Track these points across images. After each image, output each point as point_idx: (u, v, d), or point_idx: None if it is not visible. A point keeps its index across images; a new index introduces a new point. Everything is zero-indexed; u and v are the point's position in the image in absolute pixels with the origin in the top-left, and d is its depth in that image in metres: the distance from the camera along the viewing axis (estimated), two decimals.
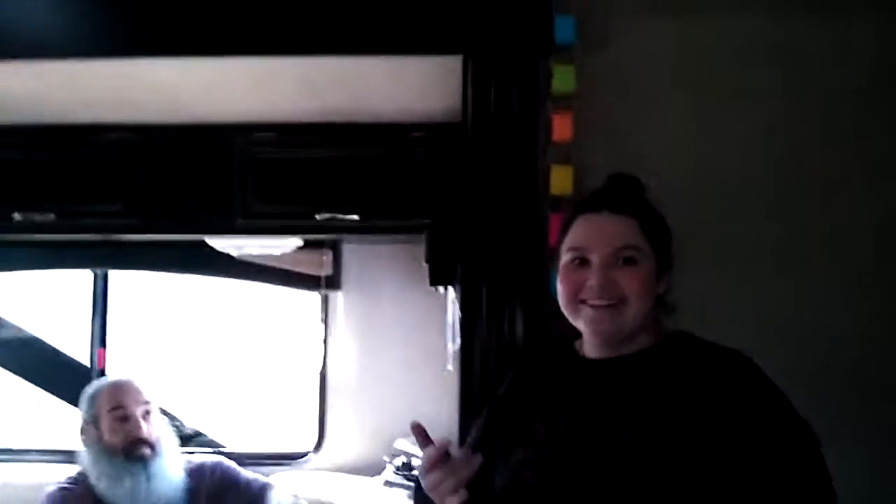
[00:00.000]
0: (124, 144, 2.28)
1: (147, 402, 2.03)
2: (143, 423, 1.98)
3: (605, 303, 1.12)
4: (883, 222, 1.56)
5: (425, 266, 2.12)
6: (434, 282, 1.98)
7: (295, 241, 2.49)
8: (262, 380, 3.07)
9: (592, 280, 1.13)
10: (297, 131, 2.26)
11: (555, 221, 1.54)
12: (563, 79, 1.55)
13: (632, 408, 1.09)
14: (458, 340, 1.66)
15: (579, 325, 1.18)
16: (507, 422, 1.25)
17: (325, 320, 2.79)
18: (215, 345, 3.11)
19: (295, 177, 2.23)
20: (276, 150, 2.24)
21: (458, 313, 1.71)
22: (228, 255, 2.57)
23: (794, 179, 1.47)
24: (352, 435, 2.75)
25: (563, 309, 1.19)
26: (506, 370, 1.54)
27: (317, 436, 2.78)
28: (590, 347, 1.21)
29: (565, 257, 1.19)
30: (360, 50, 1.64)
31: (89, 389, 2.06)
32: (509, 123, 1.57)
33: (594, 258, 1.14)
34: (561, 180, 1.56)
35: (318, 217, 2.21)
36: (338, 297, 2.79)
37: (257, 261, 2.66)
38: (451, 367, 2.07)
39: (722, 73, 1.59)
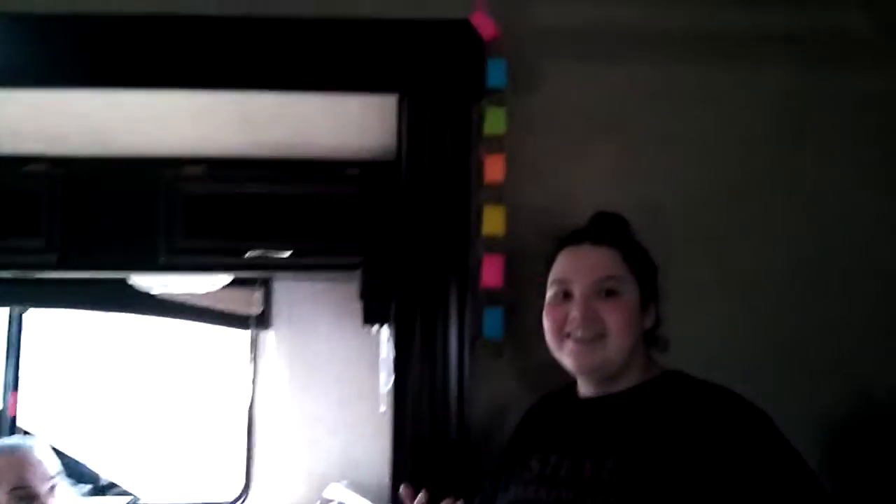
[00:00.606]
0: (46, 177, 2.19)
1: (52, 477, 1.88)
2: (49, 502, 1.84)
3: (588, 335, 1.12)
4: (800, 255, 1.62)
5: (359, 304, 2.10)
6: (367, 321, 1.95)
7: (222, 279, 2.42)
8: (185, 424, 2.95)
9: (575, 312, 1.13)
10: (227, 166, 2.21)
11: (488, 261, 1.55)
12: (494, 121, 1.57)
13: (616, 446, 1.08)
14: (392, 380, 1.64)
15: (564, 360, 1.17)
16: (510, 459, 1.26)
17: (254, 360, 2.71)
18: (137, 387, 2.97)
19: (224, 212, 2.18)
20: (206, 184, 2.18)
21: (391, 352, 1.69)
22: (152, 293, 2.49)
23: (717, 218, 1.52)
24: (281, 480, 2.67)
25: (549, 345, 1.19)
26: (438, 410, 1.54)
27: (243, 482, 2.68)
28: (582, 386, 1.21)
29: (549, 292, 1.20)
30: (296, 86, 1.63)
31: None
32: (442, 163, 1.58)
33: (576, 290, 1.14)
34: (493, 220, 1.57)
35: (247, 254, 2.17)
36: (268, 336, 2.73)
37: (183, 299, 2.58)
38: (385, 406, 2.04)
39: (646, 118, 1.64)
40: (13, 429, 2.67)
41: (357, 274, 2.11)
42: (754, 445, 1.03)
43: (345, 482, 2.65)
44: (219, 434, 2.89)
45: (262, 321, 2.68)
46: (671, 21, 1.67)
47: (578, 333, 1.13)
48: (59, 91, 1.68)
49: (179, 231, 2.18)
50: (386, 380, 2.04)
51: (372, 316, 1.96)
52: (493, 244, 1.57)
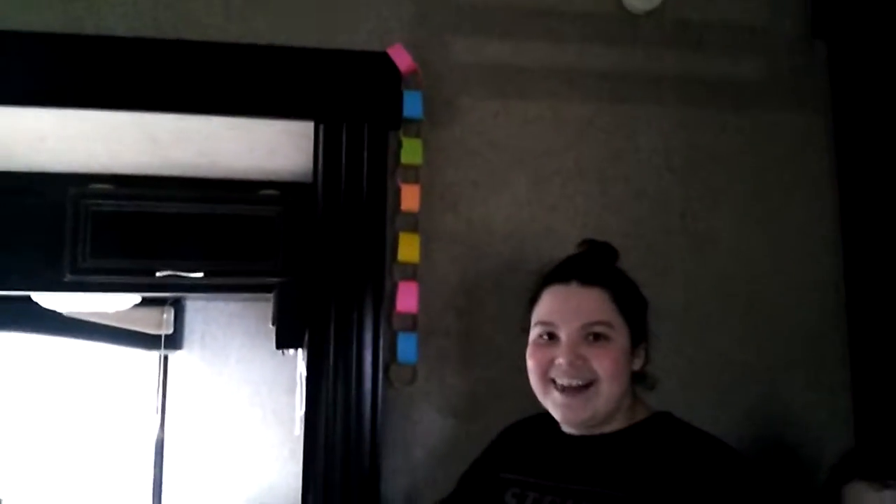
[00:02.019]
0: None
1: None
2: None
3: (575, 383, 1.05)
4: (691, 288, 1.70)
5: (274, 327, 2.08)
6: (280, 345, 1.94)
7: (131, 299, 2.36)
8: (92, 447, 2.84)
9: (561, 358, 1.06)
10: (136, 183, 2.16)
11: (403, 287, 1.57)
12: (411, 151, 1.60)
13: (601, 492, 1.02)
14: (305, 404, 1.63)
15: (548, 406, 1.11)
16: (485, 481, 1.20)
17: (164, 382, 2.65)
18: (41, 411, 2.84)
19: (134, 231, 2.12)
20: (114, 202, 2.12)
21: (304, 376, 1.68)
22: (57, 313, 2.39)
23: (624, 253, 1.58)
24: None
25: (533, 387, 1.12)
26: (351, 435, 1.54)
27: None
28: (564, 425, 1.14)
29: (534, 332, 1.12)
30: (210, 110, 1.61)
31: None
32: (359, 190, 1.60)
33: (563, 334, 1.07)
34: (408, 248, 1.59)
35: (158, 274, 2.12)
36: (179, 357, 2.66)
37: (89, 318, 2.49)
38: (299, 429, 2.02)
39: (556, 152, 1.70)
40: None
41: (272, 296, 2.10)
42: (742, 501, 0.99)
43: None
44: (127, 458, 2.79)
45: (172, 342, 2.61)
46: (581, 60, 1.74)
47: (565, 381, 1.06)
48: None
49: (86, 249, 2.11)
50: (300, 403, 2.02)
51: (285, 340, 1.95)
52: (408, 271, 1.59)
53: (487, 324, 1.61)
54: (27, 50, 1.53)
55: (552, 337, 1.09)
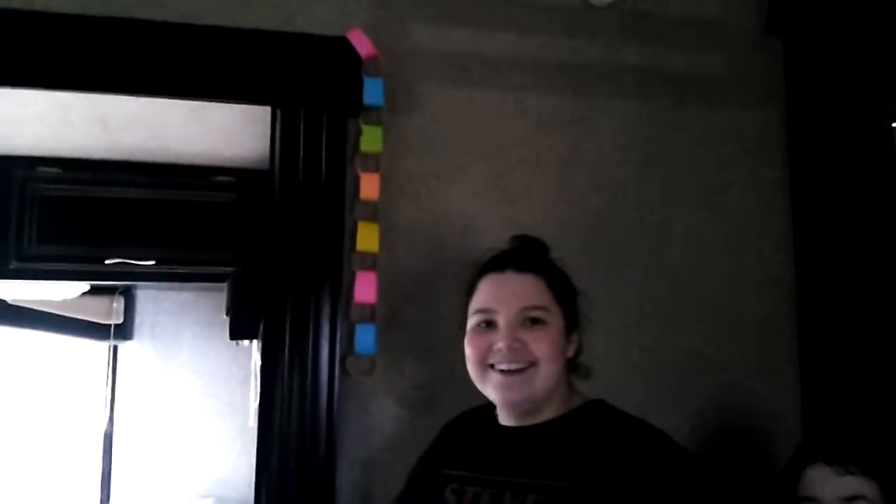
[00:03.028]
0: None
1: None
2: None
3: (514, 367, 1.07)
4: (645, 280, 1.72)
5: (227, 316, 2.04)
6: (234, 335, 1.90)
7: (80, 287, 2.29)
8: (39, 440, 2.75)
9: (500, 343, 1.08)
10: (85, 167, 2.09)
11: (361, 277, 1.55)
12: (370, 139, 1.57)
13: (537, 481, 1.03)
14: (259, 395, 1.60)
15: (488, 392, 1.12)
16: (426, 480, 1.20)
17: (114, 373, 2.58)
18: None
19: (82, 217, 2.06)
20: (62, 186, 2.07)
21: (258, 367, 1.65)
22: (2, 301, 2.31)
23: (575, 243, 1.57)
24: (141, 499, 2.55)
25: (471, 375, 1.13)
26: (307, 428, 1.52)
27: (100, 501, 2.54)
28: (502, 413, 1.15)
29: (472, 321, 1.14)
30: (162, 91, 1.56)
31: None
32: (317, 177, 1.57)
33: (501, 320, 1.09)
34: (367, 237, 1.57)
35: (107, 262, 2.06)
36: (129, 348, 2.60)
37: (36, 307, 2.41)
38: (254, 421, 1.99)
39: (517, 142, 1.69)
40: None
41: (226, 286, 2.05)
42: (675, 489, 1.00)
43: (210, 499, 2.57)
44: (75, 451, 2.71)
45: (122, 332, 2.55)
46: (542, 51, 1.73)
47: (504, 365, 1.08)
48: None
49: (33, 235, 2.05)
50: (255, 394, 1.99)
51: (239, 330, 1.91)
52: (366, 261, 1.57)
53: (447, 315, 1.59)
54: None
55: (490, 324, 1.11)
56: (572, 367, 1.16)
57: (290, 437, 1.53)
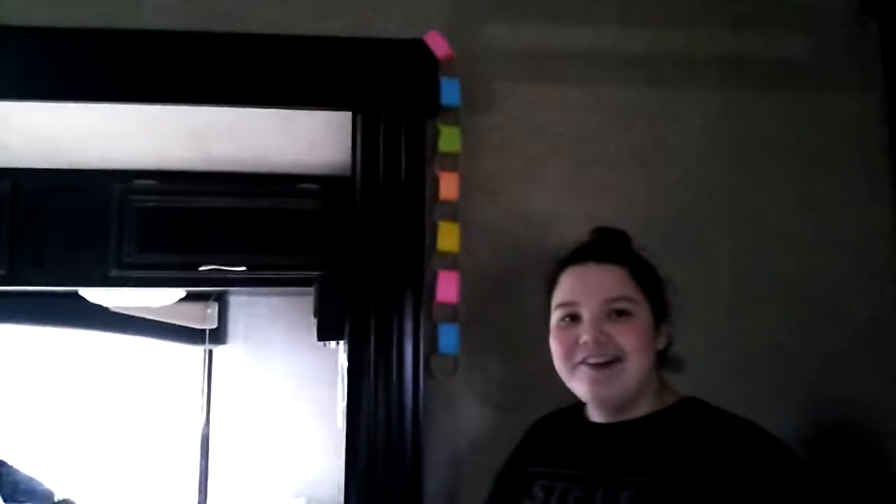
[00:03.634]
0: None
1: None
2: None
3: (602, 360, 1.04)
4: (739, 274, 1.66)
5: (315, 319, 2.09)
6: (321, 337, 1.94)
7: (176, 294, 2.39)
8: (140, 441, 2.89)
9: (586, 336, 1.05)
10: (179, 179, 2.19)
11: (443, 277, 1.56)
12: (448, 139, 1.58)
13: (631, 480, 1.00)
14: (346, 396, 1.63)
15: (576, 388, 1.09)
16: (515, 477, 1.19)
17: (209, 376, 2.68)
18: (91, 403, 2.91)
19: (177, 226, 2.16)
20: (158, 198, 2.17)
21: (345, 368, 1.68)
22: (103, 308, 2.44)
23: (663, 237, 1.54)
24: (236, 499, 2.63)
25: (558, 371, 1.11)
26: (393, 427, 1.53)
27: (198, 500, 2.64)
28: (593, 410, 1.13)
29: (555, 316, 1.11)
30: (249, 101, 1.61)
31: None
32: (397, 180, 1.59)
33: (585, 313, 1.06)
34: (448, 237, 1.57)
35: (201, 268, 2.15)
36: (223, 352, 2.69)
37: (135, 313, 2.54)
38: (343, 422, 2.02)
39: (597, 137, 1.66)
40: None
41: (312, 289, 2.10)
42: (778, 486, 0.95)
43: (302, 499, 2.63)
44: (173, 452, 2.84)
45: (216, 337, 2.64)
46: (619, 42, 1.70)
47: (591, 359, 1.04)
48: (5, 102, 1.63)
49: (131, 244, 2.16)
50: (343, 396, 2.03)
51: (326, 332, 1.95)
52: (447, 260, 1.58)
53: (529, 313, 1.57)
54: (70, 46, 1.55)
55: (574, 318, 1.08)
56: (663, 361, 1.12)
57: (377, 437, 1.55)
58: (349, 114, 1.63)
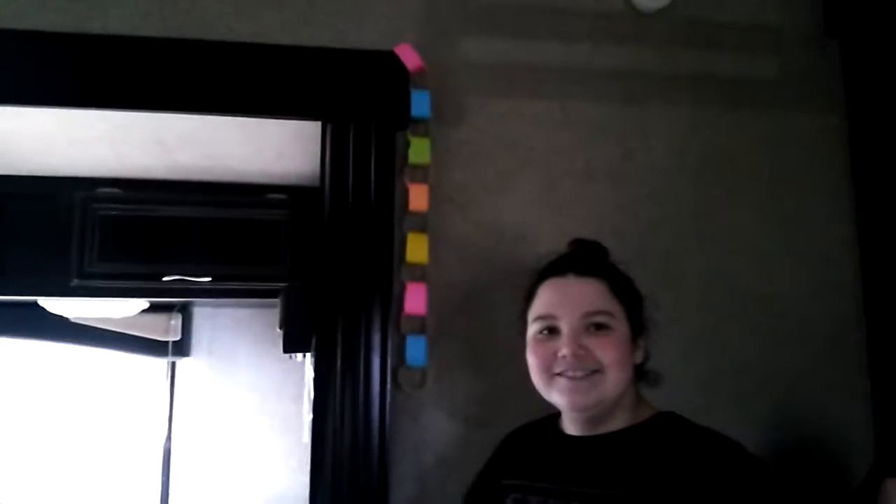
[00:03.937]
0: None
1: None
2: None
3: (580, 374, 1.03)
4: (706, 290, 1.67)
5: (281, 331, 2.06)
6: (287, 349, 1.91)
7: (139, 304, 2.34)
8: (99, 454, 2.82)
9: (565, 349, 1.04)
10: (144, 187, 2.15)
11: (411, 289, 1.55)
12: (419, 150, 1.57)
13: (606, 493, 0.99)
14: (312, 410, 1.60)
15: (554, 398, 1.08)
16: (487, 491, 1.17)
17: (172, 389, 2.63)
18: (48, 416, 2.83)
19: (141, 235, 2.11)
20: (121, 206, 2.12)
21: (311, 381, 1.66)
22: (63, 318, 2.38)
23: (631, 251, 1.55)
24: None
25: (535, 383, 1.10)
26: (360, 441, 1.51)
27: None
28: (568, 422, 1.12)
29: (532, 328, 1.10)
30: (215, 109, 1.59)
31: None
32: (367, 191, 1.57)
33: (564, 326, 1.06)
34: (417, 249, 1.56)
35: (165, 279, 2.10)
36: (187, 364, 2.64)
37: (96, 324, 2.48)
38: (308, 437, 1.99)
39: (567, 152, 1.67)
40: None
41: (279, 301, 2.07)
42: (752, 501, 0.95)
43: None
44: (134, 466, 2.77)
45: (180, 349, 2.59)
46: (591, 59, 1.72)
47: (570, 373, 1.04)
48: None
49: (93, 254, 2.10)
50: (309, 410, 2.00)
51: (292, 344, 1.92)
52: (416, 272, 1.57)
53: (498, 326, 1.58)
54: (34, 49, 1.52)
55: (552, 331, 1.08)
56: (641, 375, 1.12)
57: (343, 450, 1.52)
58: (318, 124, 1.62)
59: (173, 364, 2.63)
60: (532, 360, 1.10)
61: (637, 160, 1.70)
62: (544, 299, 1.10)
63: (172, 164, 2.07)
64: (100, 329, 2.50)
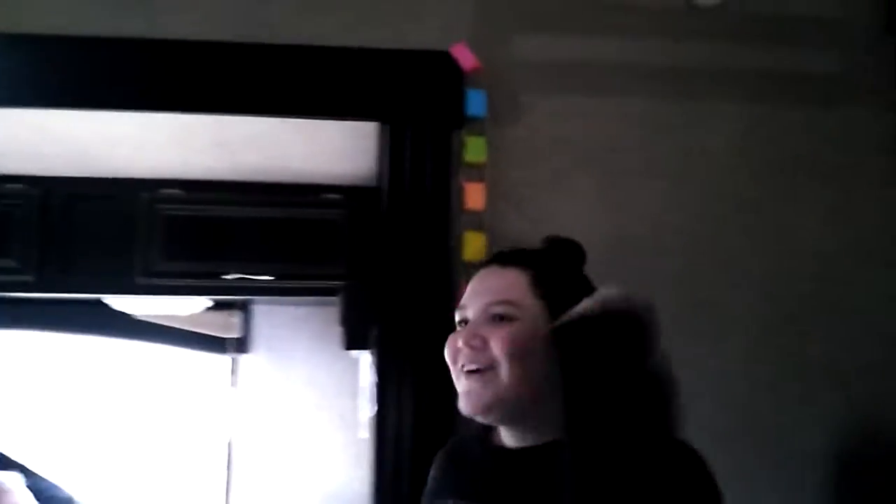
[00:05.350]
0: (21, 196, 2.18)
1: None
2: None
3: (474, 367, 0.93)
4: (769, 289, 1.64)
5: (339, 329, 2.09)
6: (348, 346, 1.94)
7: (203, 302, 2.41)
8: (162, 448, 2.91)
9: (459, 340, 0.95)
10: (206, 188, 2.21)
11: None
12: (475, 149, 1.58)
13: None
14: (374, 406, 1.63)
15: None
16: None
17: (233, 385, 2.69)
18: (113, 410, 2.93)
19: (203, 235, 2.17)
20: (184, 207, 2.19)
21: (373, 378, 1.68)
22: (128, 315, 2.46)
23: (700, 254, 1.53)
24: None
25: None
26: (420, 438, 1.52)
27: None
28: (502, 432, 1.01)
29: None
30: (276, 111, 1.63)
31: None
32: (423, 190, 1.59)
33: (470, 316, 0.97)
34: (474, 247, 1.57)
35: (226, 277, 2.16)
36: (248, 361, 2.70)
37: (160, 321, 2.55)
38: (365, 433, 2.02)
39: (624, 149, 1.66)
40: None
41: (337, 299, 2.11)
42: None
43: None
44: (196, 459, 2.85)
45: (240, 346, 2.65)
46: (647, 56, 1.70)
47: (465, 367, 0.94)
48: (37, 110, 1.66)
49: (157, 253, 2.17)
50: (366, 406, 2.03)
51: (353, 341, 1.95)
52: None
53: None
54: (105, 55, 1.57)
55: (466, 323, 0.98)
56: None
57: (405, 448, 1.54)
58: (372, 124, 1.64)
59: (234, 360, 2.69)
60: (445, 352, 0.99)
61: (696, 157, 1.67)
62: (464, 290, 1.02)
63: (234, 166, 2.12)
64: (163, 326, 2.58)
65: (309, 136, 1.90)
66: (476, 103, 1.59)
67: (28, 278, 2.18)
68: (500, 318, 0.94)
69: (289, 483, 2.69)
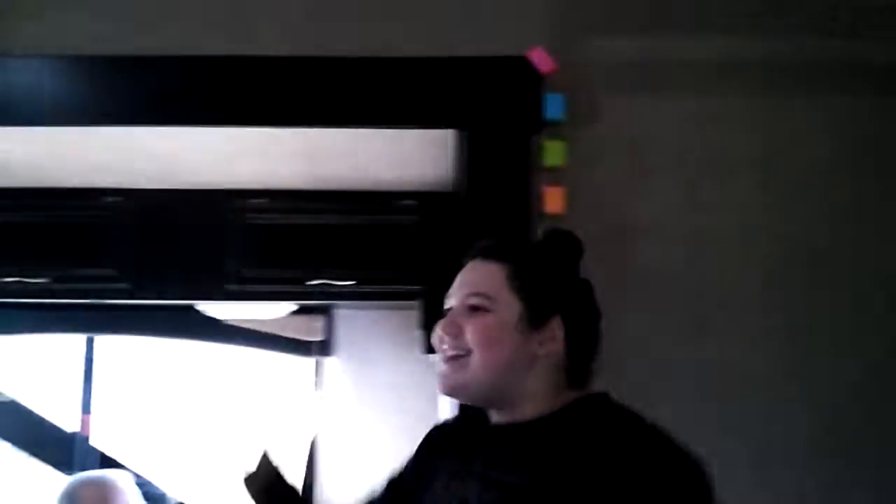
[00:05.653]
0: (118, 209, 2.30)
1: None
2: None
3: (451, 354, 1.02)
4: (861, 289, 1.58)
5: (418, 333, 2.12)
6: (427, 350, 1.97)
7: (288, 306, 2.48)
8: (249, 448, 3.00)
9: (438, 328, 1.04)
10: (290, 197, 2.29)
11: None
12: (553, 153, 1.59)
13: (503, 481, 0.97)
14: (452, 408, 1.65)
15: None
16: (410, 485, 1.18)
17: (318, 387, 2.76)
18: (205, 411, 3.05)
19: (288, 242, 2.25)
20: (270, 215, 2.26)
21: None
22: (217, 320, 2.56)
23: (789, 253, 1.49)
24: None
25: None
26: None
27: None
28: (491, 412, 1.08)
29: None
30: (359, 122, 1.68)
31: (68, 488, 1.93)
32: (502, 194, 1.60)
33: (454, 305, 1.06)
34: None
35: (310, 283, 2.22)
36: (331, 364, 2.77)
37: (247, 325, 2.65)
38: None
39: (705, 149, 1.64)
40: (87, 449, 2.79)
41: (416, 304, 2.14)
42: (654, 495, 0.88)
43: None
44: (283, 460, 2.92)
45: (323, 348, 2.72)
46: (727, 51, 1.67)
47: (442, 353, 1.03)
48: (132, 128, 1.76)
49: (244, 260, 2.26)
50: (445, 409, 2.05)
51: (432, 345, 1.98)
52: None
53: (634, 327, 1.57)
54: (193, 73, 1.65)
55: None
56: (571, 370, 1.03)
57: None
58: (447, 130, 1.67)
59: (318, 363, 2.76)
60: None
61: (783, 155, 1.63)
62: (452, 282, 1.09)
63: (313, 175, 2.19)
64: (250, 330, 2.67)
65: (386, 145, 1.94)
66: (554, 107, 1.59)
67: (125, 286, 2.30)
68: (476, 309, 1.02)
69: (370, 482, 2.73)
